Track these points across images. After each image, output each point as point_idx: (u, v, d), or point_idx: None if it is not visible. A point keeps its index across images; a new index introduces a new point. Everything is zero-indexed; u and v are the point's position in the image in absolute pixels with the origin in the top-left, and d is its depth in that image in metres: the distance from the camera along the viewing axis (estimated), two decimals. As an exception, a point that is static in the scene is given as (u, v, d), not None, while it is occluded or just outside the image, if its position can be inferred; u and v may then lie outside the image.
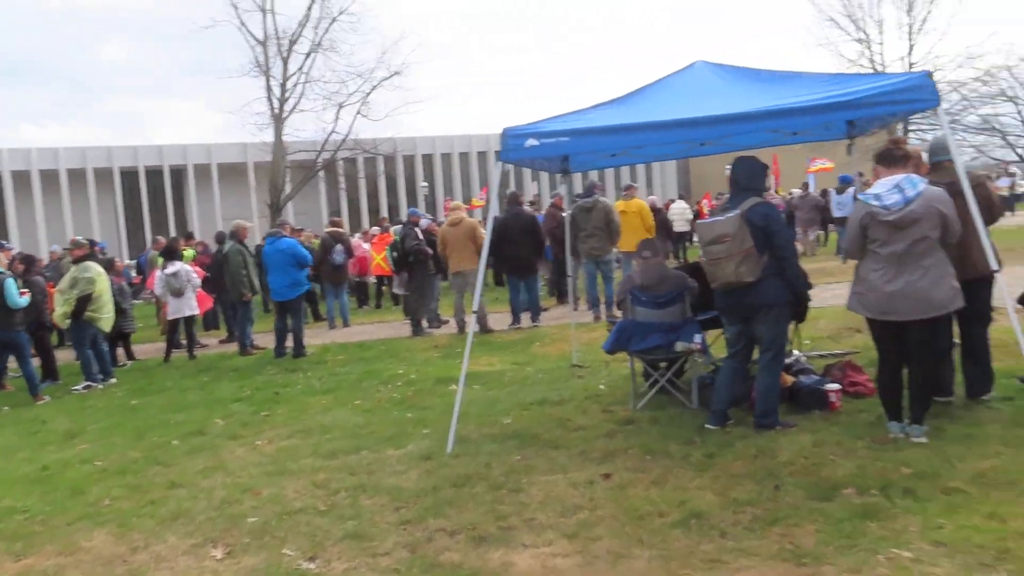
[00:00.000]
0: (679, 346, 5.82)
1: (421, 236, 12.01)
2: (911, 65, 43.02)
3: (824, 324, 8.38)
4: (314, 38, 27.71)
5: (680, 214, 21.03)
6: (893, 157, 4.73)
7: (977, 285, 5.27)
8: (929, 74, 4.69)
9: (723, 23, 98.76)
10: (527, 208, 13.39)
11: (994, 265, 4.74)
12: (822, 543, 3.48)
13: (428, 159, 49.94)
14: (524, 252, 11.52)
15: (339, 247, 14.00)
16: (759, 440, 4.92)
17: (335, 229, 14.64)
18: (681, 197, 26.50)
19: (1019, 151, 49.18)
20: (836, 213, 17.14)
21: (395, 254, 12.17)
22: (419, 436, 5.96)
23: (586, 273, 11.57)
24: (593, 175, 28.18)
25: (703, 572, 3.37)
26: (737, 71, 5.91)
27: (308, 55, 28.12)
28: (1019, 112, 47.32)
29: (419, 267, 11.83)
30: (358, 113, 29.10)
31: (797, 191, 21.03)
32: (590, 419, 5.93)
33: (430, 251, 11.79)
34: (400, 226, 13.31)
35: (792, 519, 3.75)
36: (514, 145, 5.52)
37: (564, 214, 12.31)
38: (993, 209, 5.33)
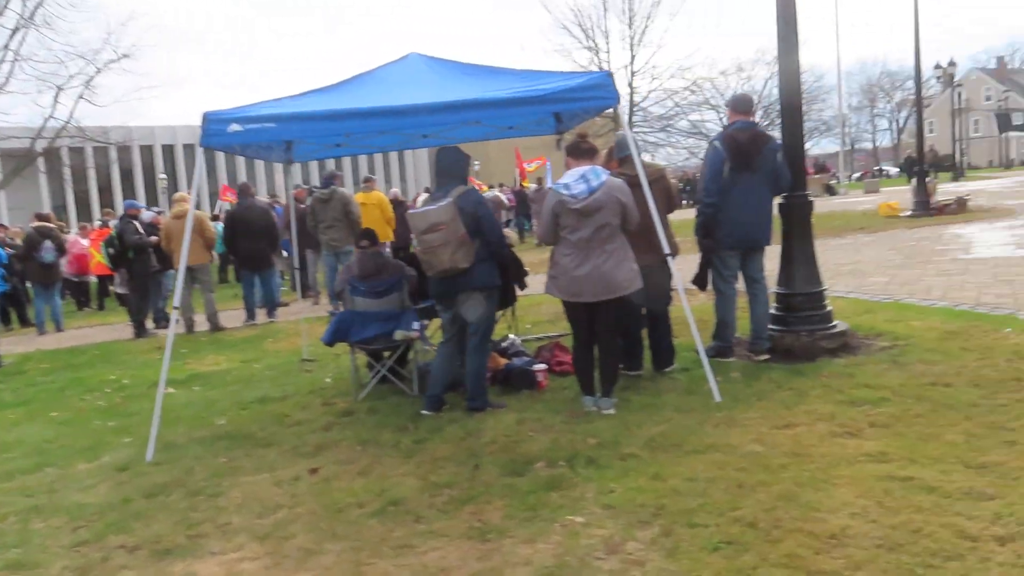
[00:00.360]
0: (398, 334, 5.84)
1: (142, 230, 11.06)
2: (633, 74, 47.37)
3: (545, 308, 8.86)
4: (23, 11, 24.60)
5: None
6: (580, 150, 5.07)
7: (658, 268, 5.83)
8: (609, 74, 5.08)
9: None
10: (260, 200, 12.84)
11: (666, 249, 5.26)
12: (507, 517, 3.63)
13: (169, 149, 46.39)
14: (258, 246, 11.02)
15: (47, 244, 12.52)
16: (469, 423, 5.07)
17: (42, 224, 13.06)
18: (427, 190, 26.89)
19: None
20: None
21: (111, 250, 11.12)
22: (119, 446, 5.46)
23: (326, 266, 11.31)
24: (331, 165, 27.64)
25: (391, 559, 3.38)
26: (448, 64, 6.03)
27: (16, 31, 24.92)
28: (720, 119, 54.00)
29: (139, 263, 10.90)
30: (80, 97, 26.37)
31: (534, 185, 22.20)
32: (309, 414, 5.78)
33: (153, 244, 10.90)
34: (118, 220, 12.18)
35: (484, 497, 3.89)
36: (216, 130, 5.21)
37: (303, 206, 11.96)
38: (672, 200, 5.92)
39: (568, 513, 3.61)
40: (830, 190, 31.05)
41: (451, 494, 3.98)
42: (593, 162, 5.03)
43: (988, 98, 69.49)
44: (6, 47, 24.75)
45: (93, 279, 15.96)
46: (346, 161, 53.21)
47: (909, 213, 17.41)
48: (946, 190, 25.01)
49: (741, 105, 6.05)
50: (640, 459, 4.16)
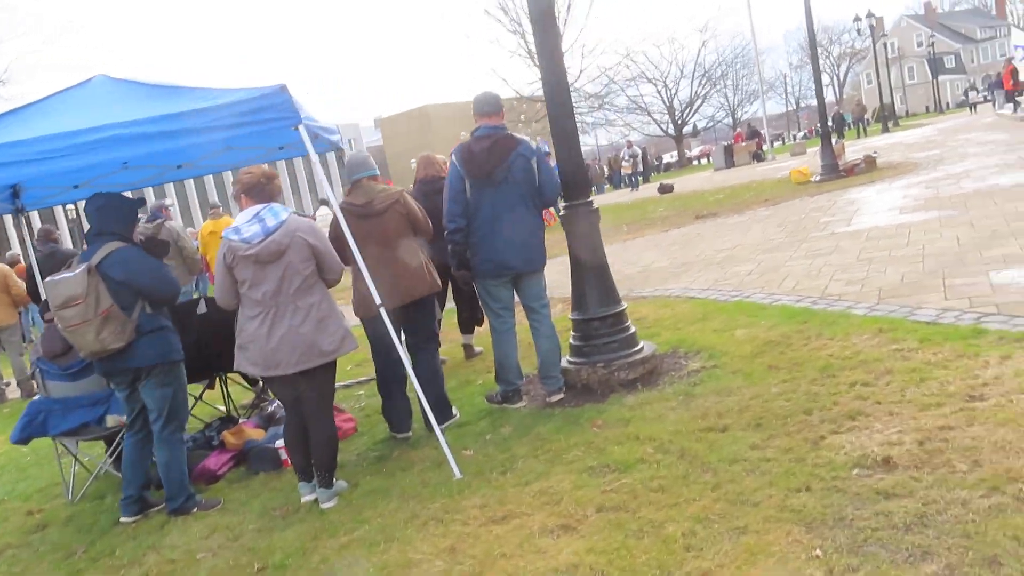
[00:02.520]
0: (110, 420, 4.87)
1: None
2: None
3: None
4: None
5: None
6: (258, 186, 4.11)
7: (415, 309, 4.91)
8: (283, 87, 4.08)
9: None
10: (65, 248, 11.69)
11: (377, 300, 4.28)
12: None
13: None
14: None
15: None
16: (154, 536, 4.10)
17: None
18: (323, 201, 25.78)
19: (662, 126, 55.38)
20: None
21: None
22: None
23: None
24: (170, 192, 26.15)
25: None
26: (135, 85, 5.01)
27: None
28: (658, 92, 53.30)
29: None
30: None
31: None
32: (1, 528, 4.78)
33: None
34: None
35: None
36: None
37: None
38: (418, 225, 4.98)
39: None
40: (757, 157, 30.38)
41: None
42: (265, 199, 4.07)
43: (920, 44, 69.54)
44: None
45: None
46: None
47: (819, 177, 16.68)
48: (867, 146, 24.48)
49: (482, 106, 5.09)
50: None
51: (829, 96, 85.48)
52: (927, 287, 5.87)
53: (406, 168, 54.74)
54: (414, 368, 4.90)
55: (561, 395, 5.12)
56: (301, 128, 4.11)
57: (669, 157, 61.19)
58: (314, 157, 4.28)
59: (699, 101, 55.13)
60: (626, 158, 28.86)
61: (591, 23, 47.82)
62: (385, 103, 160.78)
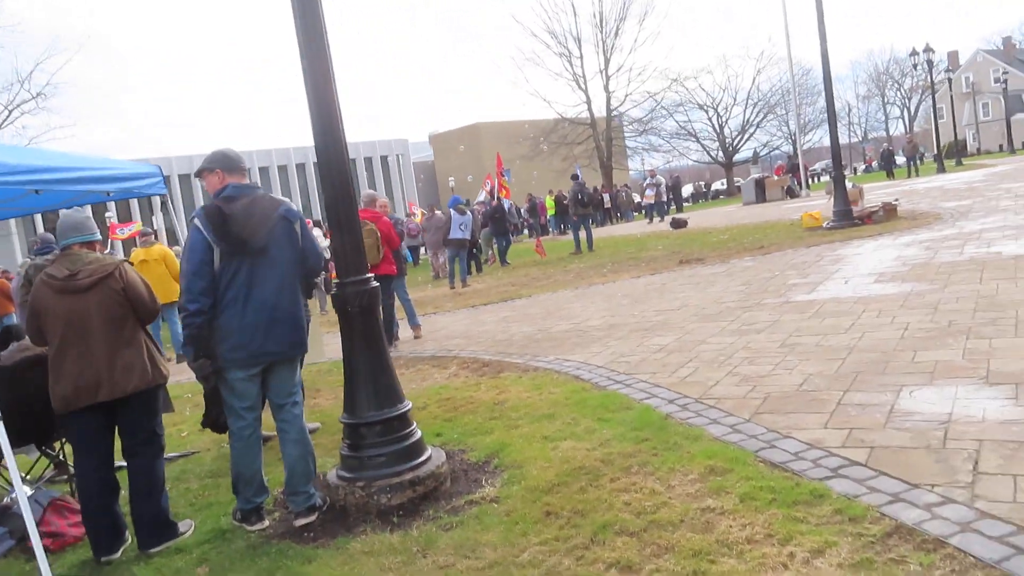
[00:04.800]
0: None
1: None
2: (608, 78, 45.34)
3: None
4: None
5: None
6: None
7: (125, 406, 3.98)
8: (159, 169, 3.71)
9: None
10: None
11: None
12: None
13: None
14: None
15: None
16: None
17: None
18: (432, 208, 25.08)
19: (711, 152, 53.59)
20: (455, 235, 16.44)
21: None
22: None
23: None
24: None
25: None
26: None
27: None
28: (709, 119, 51.54)
29: None
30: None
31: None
32: None
33: None
34: None
35: None
36: None
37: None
38: (141, 303, 4.04)
39: None
40: (790, 192, 28.63)
41: None
42: None
43: (996, 80, 66.04)
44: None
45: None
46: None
47: (829, 224, 15.20)
48: (906, 189, 22.72)
49: (231, 162, 4.10)
50: None
51: (898, 129, 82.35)
52: (818, 402, 4.64)
53: (459, 184, 54.21)
54: (130, 476, 3.99)
55: (310, 517, 4.08)
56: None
57: (719, 184, 59.28)
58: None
59: (752, 129, 53.19)
60: (648, 188, 27.48)
61: (640, 47, 46.08)
62: (439, 119, 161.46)
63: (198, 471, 5.41)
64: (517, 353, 7.62)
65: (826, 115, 16.41)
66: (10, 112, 24.84)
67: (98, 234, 4.19)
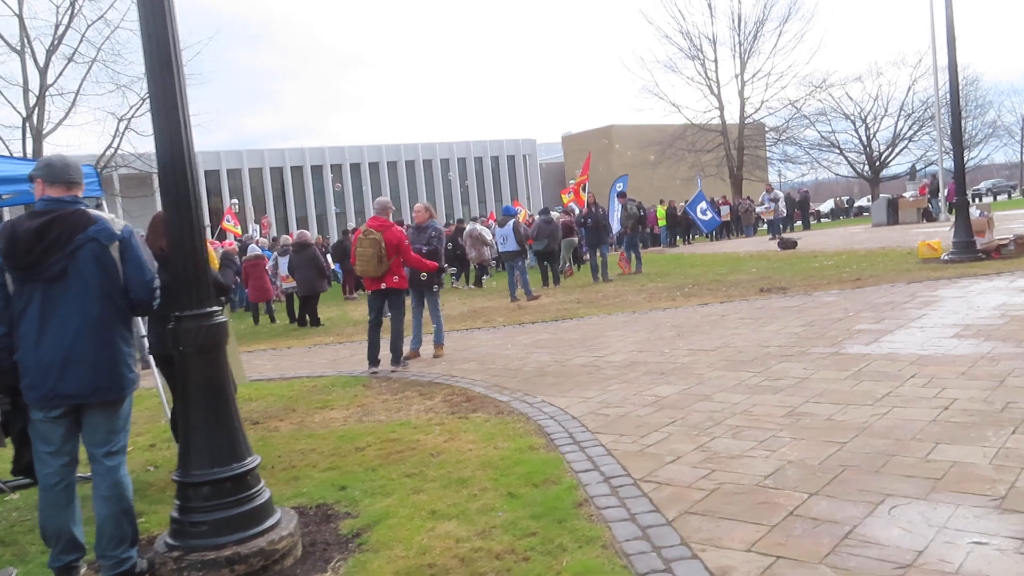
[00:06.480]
0: None
1: None
2: (744, 83, 42.84)
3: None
4: (75, 45, 25.07)
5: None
6: None
7: None
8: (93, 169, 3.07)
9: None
10: None
11: None
12: None
13: (236, 173, 47.42)
14: None
15: None
16: None
17: None
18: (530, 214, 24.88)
19: (856, 166, 49.62)
20: (502, 247, 15.77)
21: None
22: None
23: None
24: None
25: None
26: None
27: (68, 63, 25.56)
28: (855, 131, 47.64)
29: None
30: (127, 129, 26.84)
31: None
32: None
33: None
34: None
35: None
36: None
37: None
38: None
39: None
40: (928, 215, 25.82)
41: None
42: None
43: None
44: (54, 82, 25.51)
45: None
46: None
47: (948, 256, 13.32)
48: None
49: (57, 173, 3.57)
50: None
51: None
52: (769, 507, 3.62)
53: (592, 182, 53.16)
54: None
55: (125, 590, 3.53)
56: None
57: (865, 200, 55.07)
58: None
59: (904, 142, 48.89)
60: (766, 203, 25.53)
61: (780, 51, 43.23)
62: (573, 120, 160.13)
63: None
64: (511, 388, 6.85)
65: (993, 130, 14.41)
66: (142, 101, 26.02)
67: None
